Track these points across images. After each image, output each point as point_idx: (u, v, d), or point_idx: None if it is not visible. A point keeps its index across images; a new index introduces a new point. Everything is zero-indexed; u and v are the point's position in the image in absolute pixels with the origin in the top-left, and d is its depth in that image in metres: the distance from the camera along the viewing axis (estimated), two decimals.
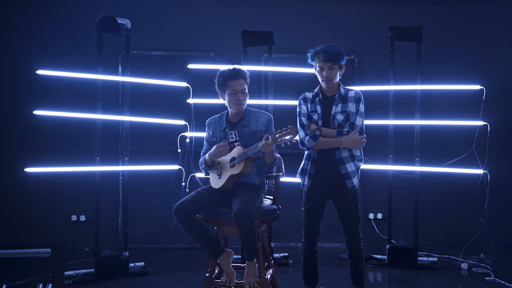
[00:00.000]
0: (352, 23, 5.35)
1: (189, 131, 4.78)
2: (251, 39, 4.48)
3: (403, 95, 4.63)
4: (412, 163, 4.48)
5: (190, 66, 5.01)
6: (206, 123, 3.47)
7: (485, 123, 4.48)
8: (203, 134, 3.45)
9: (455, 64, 5.28)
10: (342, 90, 3.33)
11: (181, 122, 4.83)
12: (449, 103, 5.14)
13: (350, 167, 3.27)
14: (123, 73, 4.75)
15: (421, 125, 4.51)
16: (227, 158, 3.28)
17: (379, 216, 5.23)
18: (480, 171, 4.50)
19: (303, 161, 3.46)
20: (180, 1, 5.28)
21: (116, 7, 4.98)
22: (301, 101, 3.46)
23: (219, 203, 3.22)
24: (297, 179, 4.66)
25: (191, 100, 4.83)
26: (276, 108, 4.68)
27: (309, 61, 3.35)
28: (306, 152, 3.44)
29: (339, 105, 3.30)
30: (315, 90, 3.42)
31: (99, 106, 4.06)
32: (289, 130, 3.01)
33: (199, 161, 3.44)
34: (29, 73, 4.74)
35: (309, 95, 3.43)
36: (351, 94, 3.32)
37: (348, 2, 5.36)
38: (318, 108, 3.35)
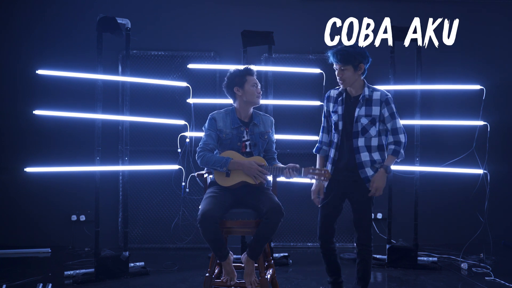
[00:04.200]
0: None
1: (189, 131, 4.78)
2: (251, 39, 4.48)
3: (403, 95, 4.63)
4: (412, 163, 4.48)
5: (190, 66, 5.01)
6: (211, 117, 3.37)
7: (485, 123, 4.48)
8: (203, 134, 3.39)
9: (455, 64, 5.28)
10: (366, 92, 3.27)
11: (181, 122, 4.83)
12: (449, 103, 5.14)
13: (369, 171, 3.25)
14: (123, 73, 4.75)
15: (421, 125, 4.51)
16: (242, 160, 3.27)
17: (379, 216, 5.23)
18: (480, 171, 4.50)
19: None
20: (180, 1, 5.27)
21: (116, 7, 4.98)
22: (325, 99, 3.45)
23: (232, 204, 3.22)
24: (297, 179, 4.68)
25: (191, 100, 4.83)
26: (276, 108, 4.68)
27: (329, 61, 3.32)
28: None
29: (363, 108, 3.24)
30: (340, 88, 3.37)
31: (99, 106, 4.06)
32: (323, 172, 3.14)
33: (207, 158, 3.23)
34: (29, 73, 4.75)
35: (333, 93, 3.40)
36: (376, 96, 3.26)
37: (348, 2, 5.36)
38: (339, 108, 3.31)
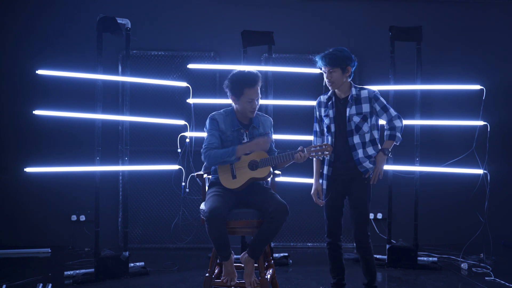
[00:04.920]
0: (352, 23, 5.35)
1: (189, 131, 4.78)
2: (251, 39, 4.48)
3: (403, 95, 4.63)
4: (412, 163, 4.47)
5: (190, 66, 5.01)
6: (212, 118, 3.34)
7: (485, 123, 4.48)
8: (203, 134, 3.39)
9: (455, 64, 5.28)
10: (353, 91, 3.37)
11: (181, 122, 4.83)
12: (449, 103, 5.14)
13: (368, 164, 3.35)
14: (123, 73, 4.75)
15: (421, 125, 4.51)
16: (244, 160, 3.26)
17: (379, 216, 5.23)
18: (480, 171, 4.50)
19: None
20: (180, 1, 5.27)
21: (116, 7, 4.98)
22: (316, 105, 3.55)
23: (235, 205, 3.22)
24: (297, 179, 4.70)
25: (191, 100, 4.83)
26: (276, 108, 4.68)
27: (317, 66, 3.40)
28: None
29: (353, 107, 3.35)
30: (329, 93, 3.48)
31: (99, 106, 4.06)
32: (324, 147, 3.20)
33: (214, 154, 3.20)
34: (29, 73, 4.75)
35: (323, 98, 3.51)
36: (363, 94, 3.37)
37: (348, 2, 5.36)
38: (331, 112, 3.41)
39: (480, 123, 4.51)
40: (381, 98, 3.38)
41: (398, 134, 3.38)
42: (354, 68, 3.38)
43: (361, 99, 3.35)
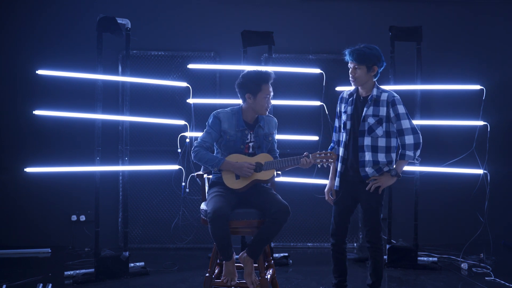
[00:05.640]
0: (352, 23, 5.35)
1: (189, 131, 4.78)
2: (251, 39, 4.48)
3: (403, 95, 4.58)
4: (412, 163, 4.44)
5: (190, 66, 5.01)
6: (216, 116, 3.32)
7: (485, 123, 4.48)
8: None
9: (455, 64, 5.28)
10: (375, 92, 3.31)
11: (181, 122, 4.83)
12: (449, 103, 5.13)
13: (369, 170, 3.28)
14: (123, 73, 4.75)
15: (421, 125, 4.50)
16: (249, 161, 3.27)
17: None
18: (480, 171, 4.50)
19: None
20: (180, 1, 5.27)
21: (116, 7, 4.98)
22: (338, 101, 3.52)
23: (236, 205, 3.23)
24: (297, 179, 4.71)
25: (191, 100, 4.83)
26: (275, 108, 4.68)
27: (345, 60, 3.37)
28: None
29: (371, 108, 3.29)
30: (352, 89, 3.43)
31: (99, 106, 4.06)
32: (329, 155, 3.21)
33: (201, 155, 3.25)
34: (29, 73, 4.74)
35: (346, 94, 3.47)
36: (383, 97, 3.29)
37: (348, 2, 5.36)
38: (349, 109, 3.37)
39: (480, 123, 4.51)
40: (399, 105, 3.27)
41: (409, 153, 3.26)
42: (381, 68, 3.32)
43: (380, 101, 3.28)
